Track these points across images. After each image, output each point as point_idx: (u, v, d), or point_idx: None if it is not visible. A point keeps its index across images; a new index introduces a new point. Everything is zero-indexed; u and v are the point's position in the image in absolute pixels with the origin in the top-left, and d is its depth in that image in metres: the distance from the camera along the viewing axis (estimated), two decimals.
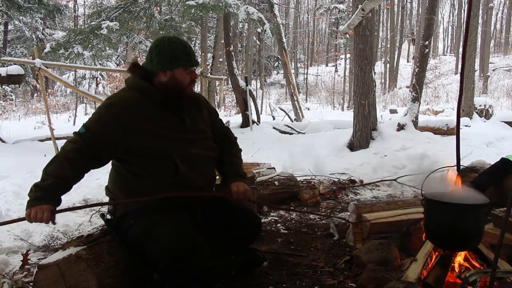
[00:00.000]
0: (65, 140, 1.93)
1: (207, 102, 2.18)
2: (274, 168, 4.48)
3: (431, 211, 1.88)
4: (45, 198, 1.76)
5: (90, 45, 7.58)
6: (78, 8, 24.84)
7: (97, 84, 19.18)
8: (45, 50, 7.43)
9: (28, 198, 1.77)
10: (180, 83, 1.92)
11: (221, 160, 2.17)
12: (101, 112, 1.86)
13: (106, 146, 1.83)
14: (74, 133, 1.87)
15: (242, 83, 9.68)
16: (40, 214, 1.72)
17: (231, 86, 10.99)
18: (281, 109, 13.95)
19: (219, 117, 2.25)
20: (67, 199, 3.82)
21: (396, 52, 27.81)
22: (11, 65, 7.53)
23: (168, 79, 1.91)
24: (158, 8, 10.91)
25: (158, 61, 1.89)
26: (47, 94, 16.17)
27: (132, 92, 1.92)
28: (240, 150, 2.27)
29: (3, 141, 7.55)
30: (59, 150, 1.85)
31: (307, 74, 31.34)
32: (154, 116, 1.90)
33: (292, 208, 3.62)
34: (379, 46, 31.81)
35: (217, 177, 2.22)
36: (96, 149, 1.82)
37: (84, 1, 24.11)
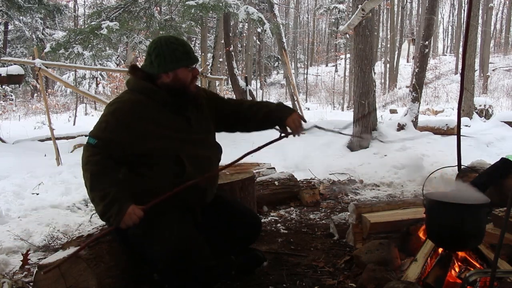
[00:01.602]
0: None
1: (205, 91, 2.18)
2: (274, 168, 4.47)
3: (432, 211, 1.88)
4: (124, 201, 1.76)
5: (90, 45, 7.58)
6: (78, 8, 24.82)
7: (97, 84, 19.17)
8: (45, 50, 7.43)
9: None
10: (184, 82, 1.92)
11: (251, 119, 2.13)
12: (108, 119, 1.84)
13: (119, 151, 1.83)
14: (86, 147, 1.84)
15: (242, 83, 9.69)
16: (133, 218, 1.76)
17: (231, 86, 10.99)
18: None
19: (219, 95, 2.25)
20: (67, 199, 3.82)
21: (396, 52, 27.79)
22: (11, 65, 7.54)
23: (171, 80, 1.90)
24: (158, 8, 10.91)
25: (159, 64, 1.88)
26: (47, 94, 16.17)
27: (135, 94, 1.91)
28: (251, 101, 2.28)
29: (3, 141, 7.55)
30: (86, 169, 1.79)
31: (307, 74, 31.32)
32: (159, 116, 1.89)
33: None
34: (379, 46, 31.80)
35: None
36: (111, 154, 1.82)
37: (84, 1, 24.09)
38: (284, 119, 2.03)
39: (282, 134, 2.05)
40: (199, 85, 2.14)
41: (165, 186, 1.88)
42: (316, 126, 2.12)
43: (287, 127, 2.03)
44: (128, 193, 1.81)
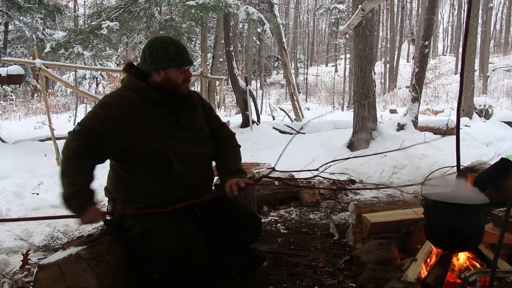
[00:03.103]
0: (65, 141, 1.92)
1: (201, 98, 2.19)
2: (274, 168, 4.47)
3: (431, 211, 1.88)
4: (89, 198, 1.79)
5: (90, 45, 7.56)
6: (78, 8, 24.80)
7: (97, 84, 19.16)
8: (45, 50, 7.41)
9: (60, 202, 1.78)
10: (174, 82, 1.93)
11: (217, 160, 2.15)
12: (96, 111, 1.86)
13: (102, 143, 1.82)
14: (69, 132, 1.85)
15: (242, 83, 9.67)
16: (92, 220, 1.81)
17: (231, 86, 10.98)
18: (281, 109, 13.95)
19: (215, 113, 2.25)
20: None
21: (396, 52, 27.79)
22: (11, 65, 7.54)
23: (162, 79, 1.92)
24: (158, 8, 10.90)
25: (151, 62, 1.90)
26: (47, 94, 16.16)
27: (127, 91, 1.93)
28: (237, 146, 2.23)
29: (3, 141, 7.55)
30: (63, 154, 1.82)
31: (307, 74, 31.31)
32: (149, 115, 1.91)
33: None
34: (379, 46, 31.79)
35: (216, 177, 2.22)
36: (92, 145, 1.81)
37: (84, 1, 24.07)
38: (224, 181, 2.05)
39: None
40: (199, 89, 2.16)
41: (160, 185, 1.89)
42: (267, 177, 2.21)
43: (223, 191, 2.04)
44: (94, 190, 1.82)
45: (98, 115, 1.84)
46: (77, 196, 1.76)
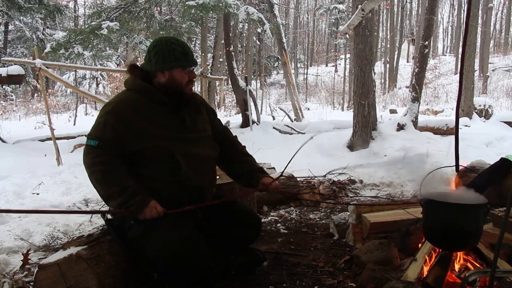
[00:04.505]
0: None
1: (204, 101, 2.20)
2: (274, 168, 4.48)
3: (429, 211, 1.88)
4: (146, 194, 1.82)
5: (90, 45, 7.57)
6: (78, 8, 24.78)
7: (97, 84, 19.19)
8: (46, 50, 7.42)
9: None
10: (179, 83, 1.93)
11: (231, 161, 2.18)
12: (106, 119, 1.85)
13: (120, 148, 1.85)
14: (87, 149, 1.84)
15: (242, 83, 9.67)
16: (153, 211, 1.80)
17: (231, 86, 10.98)
18: (281, 109, 13.94)
19: (217, 116, 2.27)
20: (68, 199, 3.83)
21: (396, 52, 27.79)
22: (11, 65, 7.54)
23: (167, 80, 1.92)
24: (158, 8, 10.90)
25: (157, 62, 1.90)
26: (47, 94, 16.15)
27: (131, 93, 1.94)
28: (244, 146, 2.28)
29: (3, 141, 7.56)
30: (93, 172, 1.80)
31: (307, 74, 31.31)
32: (155, 115, 1.91)
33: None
34: (379, 46, 31.78)
35: (217, 177, 2.23)
36: (116, 153, 1.84)
37: (84, 1, 24.07)
38: (259, 178, 2.15)
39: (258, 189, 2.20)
40: (198, 89, 2.19)
41: (164, 185, 1.89)
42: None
43: (264, 185, 2.13)
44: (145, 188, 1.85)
45: (110, 122, 1.84)
46: (134, 196, 1.78)
